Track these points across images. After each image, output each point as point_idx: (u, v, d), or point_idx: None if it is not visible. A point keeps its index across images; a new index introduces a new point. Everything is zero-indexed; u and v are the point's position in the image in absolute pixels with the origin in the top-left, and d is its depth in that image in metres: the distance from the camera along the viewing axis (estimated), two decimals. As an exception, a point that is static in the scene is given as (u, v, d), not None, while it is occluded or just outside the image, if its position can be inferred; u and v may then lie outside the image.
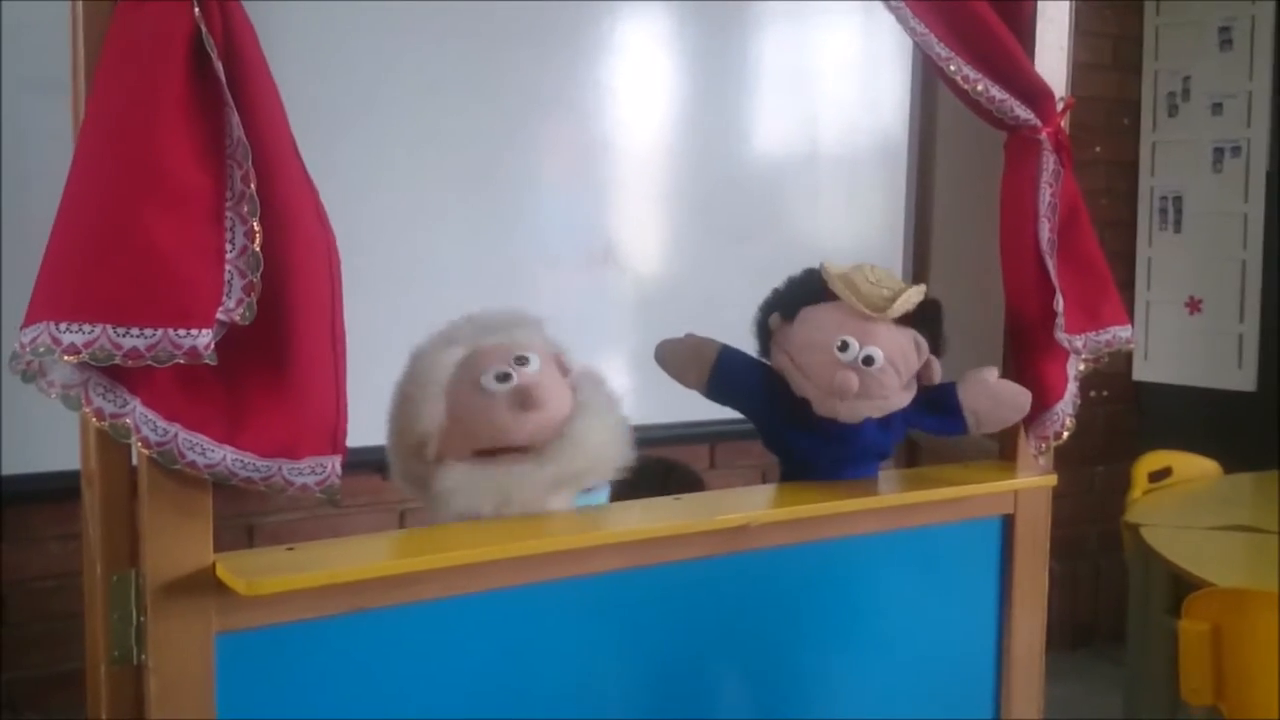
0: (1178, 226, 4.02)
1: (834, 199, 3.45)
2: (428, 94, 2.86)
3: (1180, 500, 2.84)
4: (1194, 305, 4.00)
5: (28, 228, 2.39)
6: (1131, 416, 4.14)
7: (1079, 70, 3.87)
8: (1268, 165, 3.81)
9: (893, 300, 1.56)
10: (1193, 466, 3.04)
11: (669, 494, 1.61)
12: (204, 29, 1.09)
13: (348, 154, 2.71)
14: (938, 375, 1.62)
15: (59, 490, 2.45)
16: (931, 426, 1.66)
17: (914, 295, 1.59)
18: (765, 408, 1.70)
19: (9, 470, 2.51)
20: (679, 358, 1.76)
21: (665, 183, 3.27)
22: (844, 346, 1.56)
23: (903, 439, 1.71)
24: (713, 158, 3.28)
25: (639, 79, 3.16)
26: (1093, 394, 4.02)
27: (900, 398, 1.60)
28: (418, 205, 2.87)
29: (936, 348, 1.62)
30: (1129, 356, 4.10)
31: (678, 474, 2.08)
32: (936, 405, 1.64)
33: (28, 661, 2.62)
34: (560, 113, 3.07)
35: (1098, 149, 4.01)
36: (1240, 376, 3.89)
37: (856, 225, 3.37)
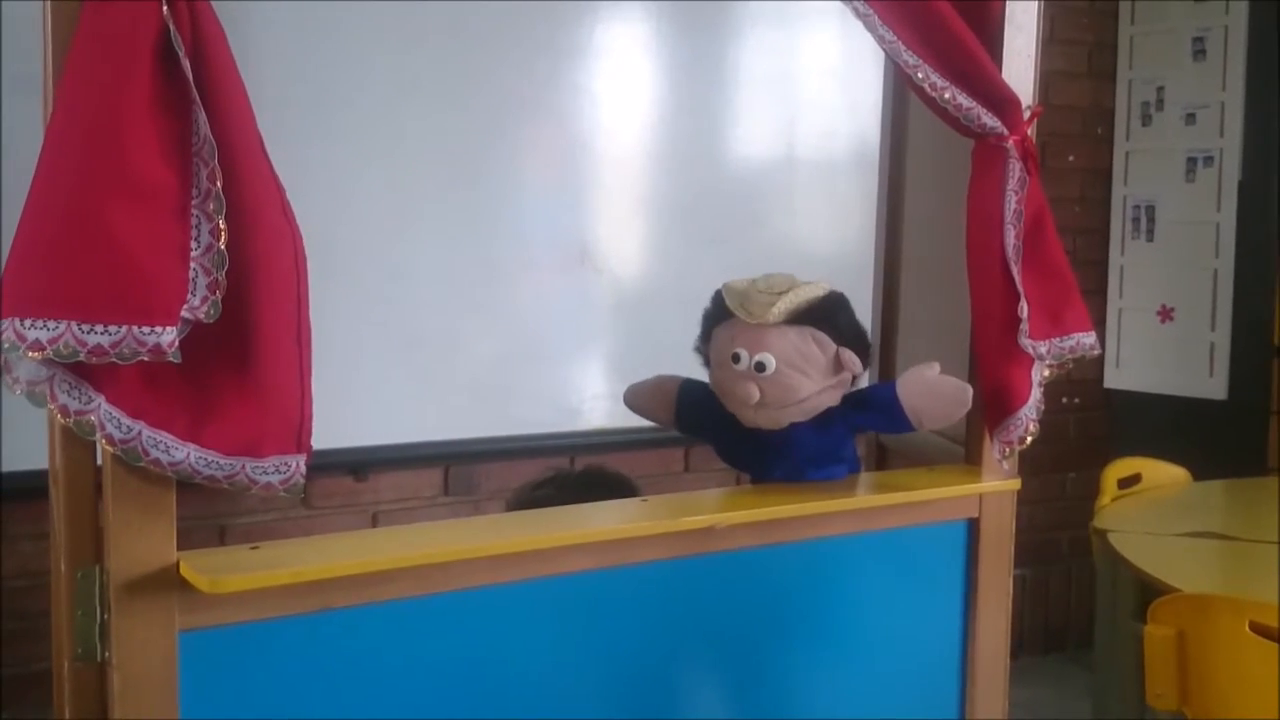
0: (1150, 235, 4.05)
1: (811, 202, 3.46)
2: (405, 95, 2.87)
3: (1149, 507, 2.86)
4: (1166, 314, 4.03)
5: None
6: (1103, 424, 4.17)
7: (1054, 78, 3.91)
8: (1240, 175, 3.83)
9: (771, 305, 1.59)
10: (1162, 474, 3.06)
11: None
12: (172, 28, 1.10)
13: (325, 155, 2.72)
14: (856, 365, 1.63)
15: (31, 489, 2.45)
16: (875, 424, 1.68)
17: (801, 294, 1.62)
18: (720, 431, 1.72)
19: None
20: (644, 399, 1.81)
21: (643, 186, 3.28)
22: (735, 358, 1.61)
23: (850, 439, 1.71)
24: (691, 161, 3.30)
25: (618, 82, 3.17)
26: (1064, 401, 4.05)
27: (821, 397, 1.62)
28: (395, 207, 2.88)
29: (842, 339, 1.62)
30: (1101, 364, 4.13)
31: (610, 482, 2.10)
32: (875, 403, 1.67)
33: (2, 660, 2.61)
34: (539, 115, 3.08)
35: (1071, 157, 4.04)
36: (1211, 385, 3.91)
37: (833, 228, 3.39)
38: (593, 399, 3.26)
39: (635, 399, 1.81)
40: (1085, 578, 2.90)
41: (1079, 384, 4.09)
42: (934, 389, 1.64)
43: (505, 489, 2.83)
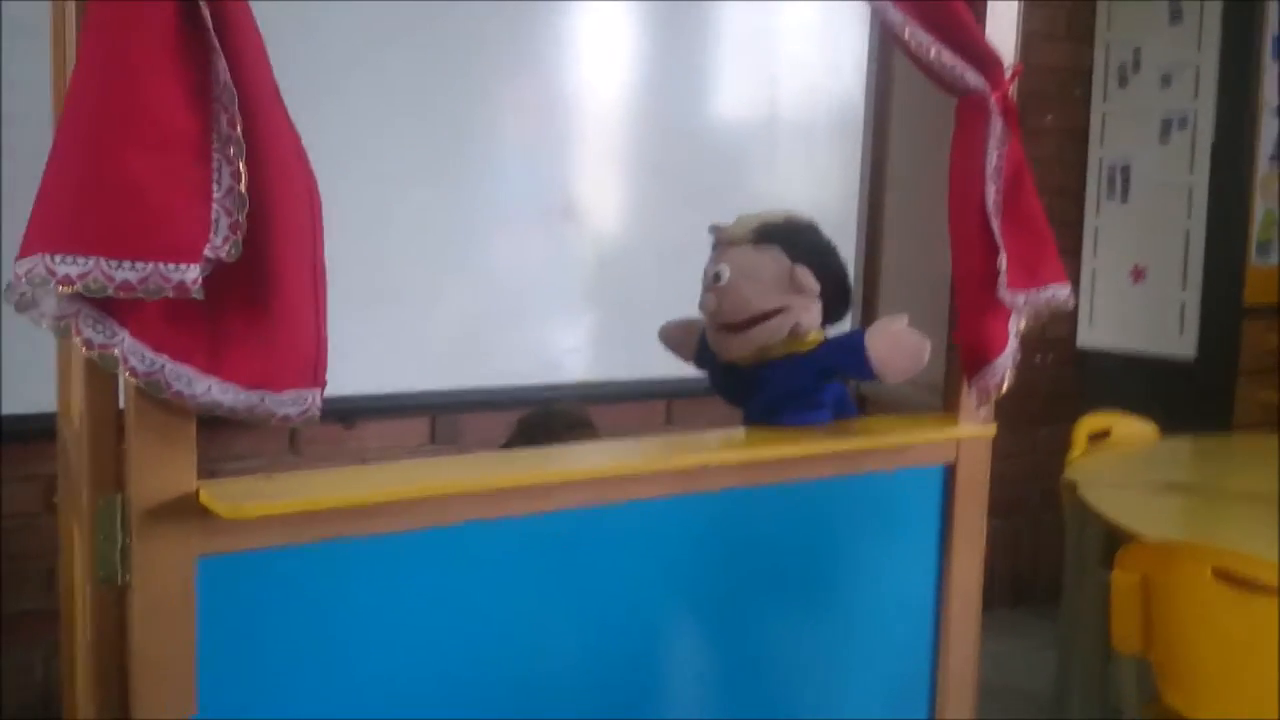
0: (1125, 196, 4.11)
1: (793, 160, 3.50)
2: (387, 48, 2.88)
3: (1117, 461, 2.93)
4: (1138, 274, 4.10)
5: (21, 165, 2.42)
6: (1075, 381, 4.25)
7: (1033, 40, 3.95)
8: (1213, 138, 3.88)
9: (744, 227, 1.72)
10: (1131, 429, 3.13)
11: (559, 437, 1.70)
12: (190, -27, 1.14)
13: (306, 108, 2.71)
14: (807, 280, 1.71)
15: (20, 432, 2.49)
16: (842, 366, 1.75)
17: (766, 216, 1.74)
18: (713, 367, 1.84)
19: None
20: (673, 334, 1.94)
21: (625, 142, 3.31)
22: (707, 276, 1.73)
23: (825, 384, 1.78)
24: (673, 118, 3.33)
25: (599, 38, 3.19)
26: (1038, 358, 4.12)
27: (783, 319, 1.71)
28: (378, 160, 2.90)
29: (797, 256, 1.71)
30: (1074, 322, 4.20)
31: (566, 418, 2.20)
32: (843, 345, 1.75)
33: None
34: (521, 70, 3.10)
35: (1049, 118, 4.10)
36: (1181, 344, 3.99)
37: (814, 187, 3.43)
38: (574, 351, 3.31)
39: (666, 334, 1.95)
40: (1054, 531, 2.97)
41: (1052, 342, 4.17)
42: (897, 340, 1.70)
43: (489, 439, 2.88)
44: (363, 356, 2.90)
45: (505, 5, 3.03)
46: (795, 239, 1.73)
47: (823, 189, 3.38)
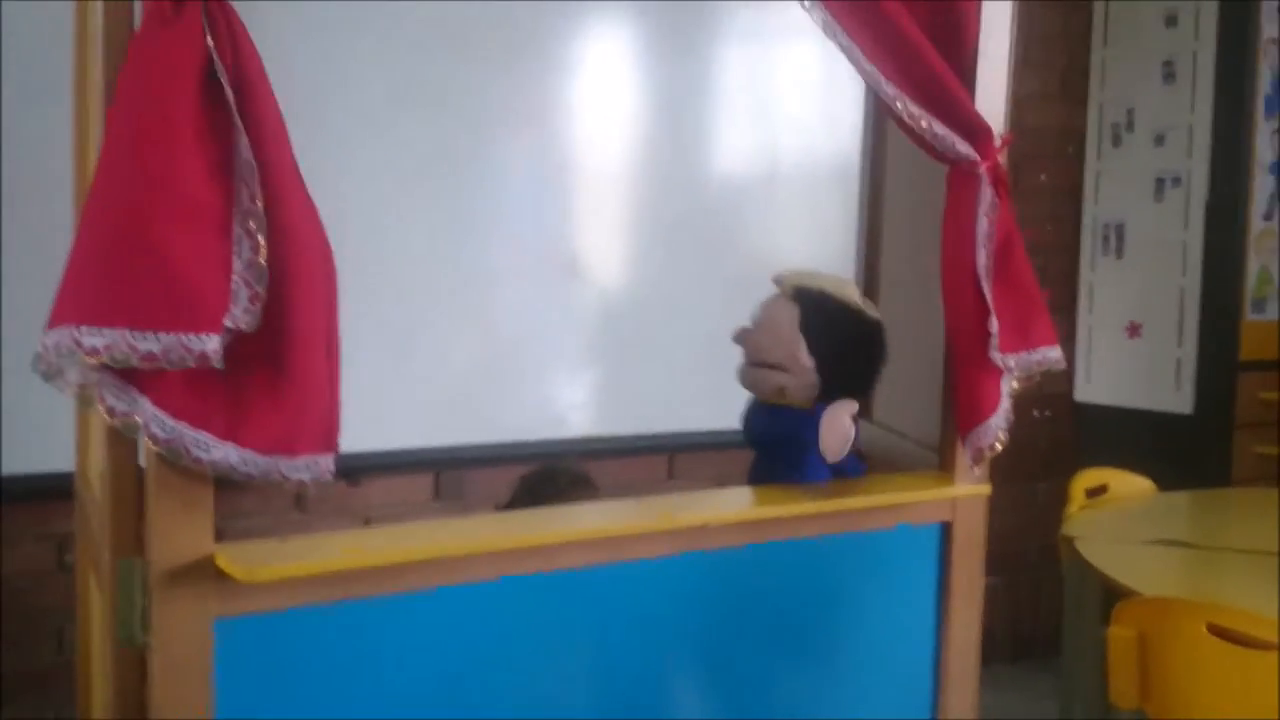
0: (1120, 253, 4.16)
1: (792, 215, 3.55)
2: (395, 106, 2.94)
3: (1115, 516, 2.94)
4: (1134, 329, 4.13)
5: (28, 232, 2.48)
6: (1072, 435, 4.27)
7: (1027, 100, 4.02)
8: (1207, 195, 3.93)
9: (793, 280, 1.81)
10: (1128, 484, 3.15)
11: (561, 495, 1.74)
12: (216, 58, 1.19)
13: (315, 164, 2.76)
14: (798, 353, 1.79)
15: (35, 491, 2.52)
16: (800, 434, 1.80)
17: (809, 279, 1.82)
18: None
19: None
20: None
21: (628, 198, 3.36)
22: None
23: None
24: (675, 174, 3.37)
25: (604, 96, 3.25)
26: (1035, 413, 4.15)
27: (782, 378, 1.80)
28: (385, 217, 2.95)
29: (808, 328, 1.79)
30: (1071, 377, 4.23)
31: (567, 476, 2.26)
32: (804, 419, 1.79)
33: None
34: (526, 128, 3.16)
35: (1043, 176, 4.15)
36: (1178, 398, 4.01)
37: (813, 241, 3.47)
38: (579, 406, 3.34)
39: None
40: (1053, 586, 2.98)
41: (1050, 397, 4.19)
42: (829, 422, 1.76)
43: (493, 495, 2.90)
44: (368, 413, 2.92)
45: (511, 64, 3.09)
46: (817, 309, 1.80)
47: (822, 243, 3.43)
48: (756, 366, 1.83)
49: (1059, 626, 2.91)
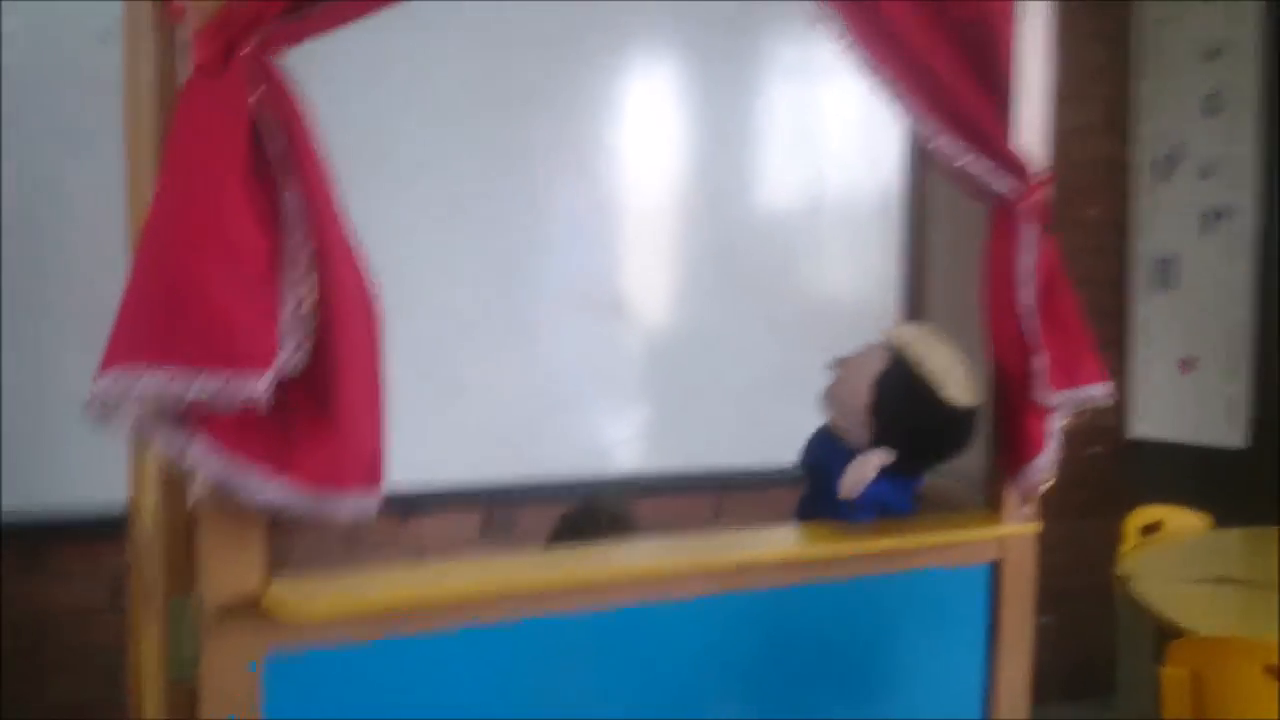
0: (1170, 287, 4.13)
1: (836, 252, 3.55)
2: (443, 152, 2.99)
3: (1169, 553, 2.92)
4: (1187, 364, 4.09)
5: (82, 275, 2.54)
6: (1125, 471, 4.22)
7: (1072, 134, 3.99)
8: (1257, 229, 3.91)
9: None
10: (1183, 521, 3.12)
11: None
12: (263, 108, 1.22)
13: (365, 207, 2.81)
14: (858, 402, 1.80)
15: (90, 530, 2.57)
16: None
17: (910, 339, 1.81)
18: None
19: (43, 509, 2.62)
20: None
21: (672, 237, 3.38)
22: None
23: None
24: (718, 212, 3.39)
25: (648, 135, 3.28)
26: (1087, 449, 4.10)
27: (848, 423, 1.82)
28: (432, 259, 2.99)
29: (879, 383, 1.79)
30: (1123, 413, 4.19)
31: (608, 514, 2.27)
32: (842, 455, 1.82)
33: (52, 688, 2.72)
34: (571, 170, 3.19)
35: (1090, 210, 4.13)
36: (1231, 433, 3.97)
37: (857, 278, 3.48)
38: (626, 443, 3.35)
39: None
40: (1108, 624, 2.95)
41: (1102, 432, 4.15)
42: (857, 461, 1.78)
43: (540, 531, 2.92)
44: (418, 450, 2.96)
45: (556, 109, 3.14)
46: (897, 373, 1.79)
47: (865, 279, 3.43)
48: (828, 394, 1.85)
49: (1114, 665, 2.88)
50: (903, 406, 1.78)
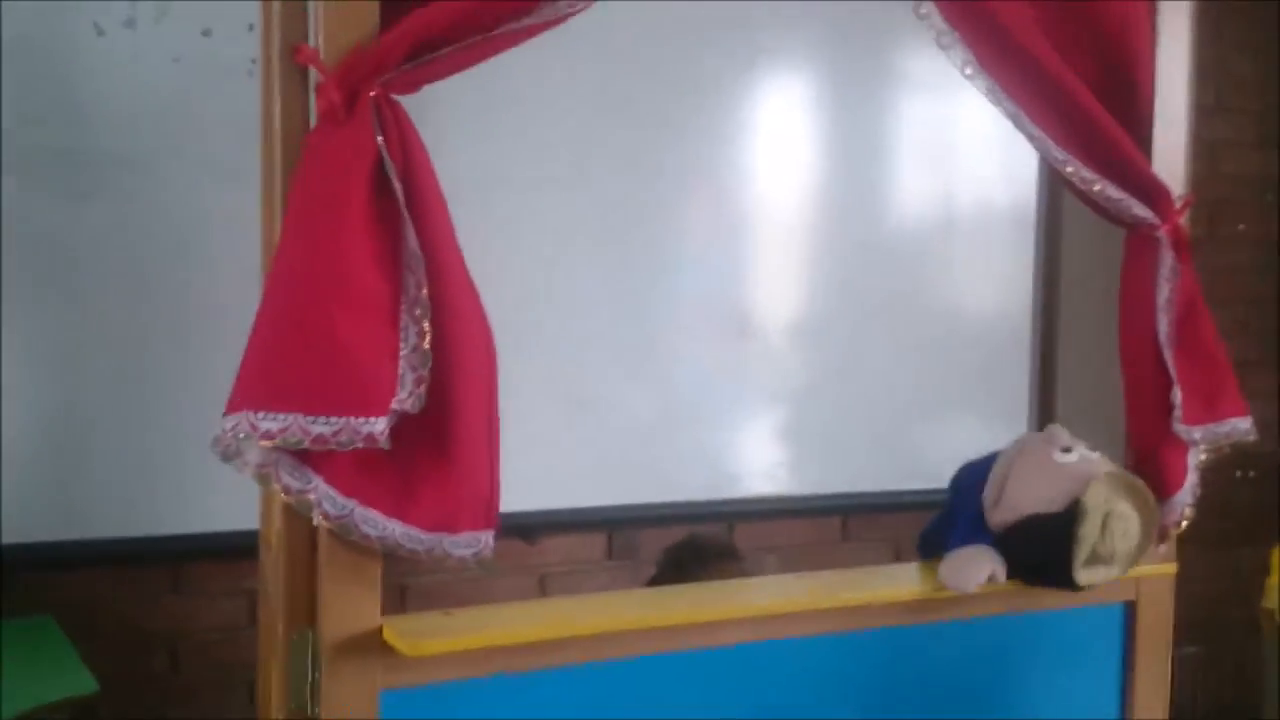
0: (1329, 302, 3.94)
1: (968, 271, 3.46)
2: (576, 174, 3.01)
3: (1321, 586, 2.79)
4: (1349, 383, 3.90)
5: (214, 305, 2.63)
6: (1278, 497, 4.05)
7: (1222, 147, 3.85)
8: None
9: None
10: (1337, 551, 2.98)
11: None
12: (385, 154, 1.25)
13: (500, 231, 2.87)
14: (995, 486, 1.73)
15: (232, 549, 2.64)
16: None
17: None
18: None
19: (186, 529, 2.71)
20: None
21: (802, 253, 3.34)
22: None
23: None
24: (849, 232, 3.34)
25: (777, 151, 3.25)
26: (1238, 474, 3.94)
27: (994, 511, 1.72)
28: (561, 278, 3.01)
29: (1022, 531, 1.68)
30: (1276, 436, 4.01)
31: (714, 549, 2.30)
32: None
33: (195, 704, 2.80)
34: (700, 187, 3.19)
35: (1241, 226, 3.97)
36: (1395, 458, 3.78)
37: (990, 295, 3.40)
38: (752, 465, 3.33)
39: None
40: (1257, 655, 2.83)
41: (1253, 456, 3.96)
42: (967, 561, 1.66)
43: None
44: (544, 473, 2.99)
45: (685, 129, 3.13)
46: (1060, 518, 1.65)
47: (999, 297, 3.35)
48: (998, 478, 1.73)
49: (1262, 701, 2.76)
50: (1036, 550, 1.66)
